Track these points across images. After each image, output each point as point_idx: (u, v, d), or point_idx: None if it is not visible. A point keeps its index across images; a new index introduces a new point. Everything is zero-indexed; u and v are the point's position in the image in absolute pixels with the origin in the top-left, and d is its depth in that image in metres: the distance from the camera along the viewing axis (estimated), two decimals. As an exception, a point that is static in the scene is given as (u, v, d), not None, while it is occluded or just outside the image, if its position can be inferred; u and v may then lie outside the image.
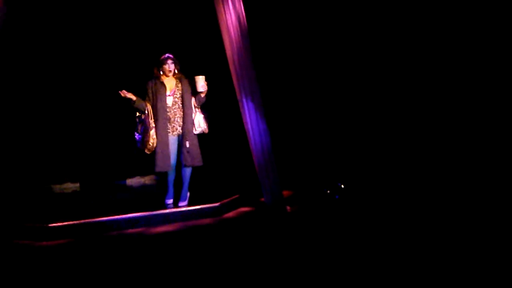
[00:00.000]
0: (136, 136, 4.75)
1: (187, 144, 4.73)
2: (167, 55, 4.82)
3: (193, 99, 4.85)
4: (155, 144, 4.65)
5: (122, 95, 4.57)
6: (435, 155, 5.33)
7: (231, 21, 4.82)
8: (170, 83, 4.81)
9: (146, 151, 4.69)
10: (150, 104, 4.73)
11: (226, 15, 4.82)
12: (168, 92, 4.78)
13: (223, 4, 4.82)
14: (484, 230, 3.60)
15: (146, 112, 4.68)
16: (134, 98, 4.62)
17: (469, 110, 5.21)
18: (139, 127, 4.72)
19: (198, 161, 4.80)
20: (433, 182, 5.08)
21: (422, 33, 5.52)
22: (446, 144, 5.35)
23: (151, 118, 4.67)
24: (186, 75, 4.88)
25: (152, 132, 4.63)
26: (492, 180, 4.82)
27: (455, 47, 5.30)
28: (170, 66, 4.78)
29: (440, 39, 5.41)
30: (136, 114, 4.78)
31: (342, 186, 5.19)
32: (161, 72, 4.81)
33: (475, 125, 5.17)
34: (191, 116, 4.81)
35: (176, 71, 4.86)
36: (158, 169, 4.69)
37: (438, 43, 5.42)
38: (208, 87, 4.73)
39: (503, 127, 4.99)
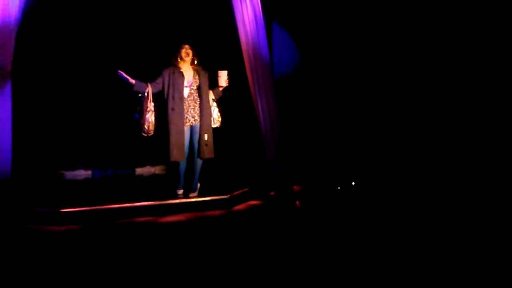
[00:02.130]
0: (135, 116, 4.67)
1: (206, 137, 4.74)
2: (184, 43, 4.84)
3: (210, 93, 4.87)
4: (151, 128, 4.59)
5: (119, 74, 4.48)
6: (450, 153, 5.28)
7: (247, 14, 4.81)
8: (188, 74, 4.79)
9: (142, 133, 4.62)
10: (153, 88, 4.63)
11: (243, 8, 4.81)
12: (185, 83, 4.77)
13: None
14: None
15: (146, 94, 4.60)
16: (132, 81, 4.54)
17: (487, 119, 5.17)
18: (138, 108, 4.64)
19: (212, 154, 4.82)
20: (447, 180, 5.04)
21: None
22: (461, 145, 5.30)
23: (150, 101, 4.60)
24: (203, 68, 4.88)
25: (148, 116, 4.55)
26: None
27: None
28: (187, 50, 4.78)
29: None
30: (138, 94, 4.67)
31: (354, 183, 5.17)
32: (179, 59, 4.79)
33: (492, 133, 5.12)
34: (210, 109, 4.83)
35: (195, 62, 4.86)
36: (173, 158, 4.68)
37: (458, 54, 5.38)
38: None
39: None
